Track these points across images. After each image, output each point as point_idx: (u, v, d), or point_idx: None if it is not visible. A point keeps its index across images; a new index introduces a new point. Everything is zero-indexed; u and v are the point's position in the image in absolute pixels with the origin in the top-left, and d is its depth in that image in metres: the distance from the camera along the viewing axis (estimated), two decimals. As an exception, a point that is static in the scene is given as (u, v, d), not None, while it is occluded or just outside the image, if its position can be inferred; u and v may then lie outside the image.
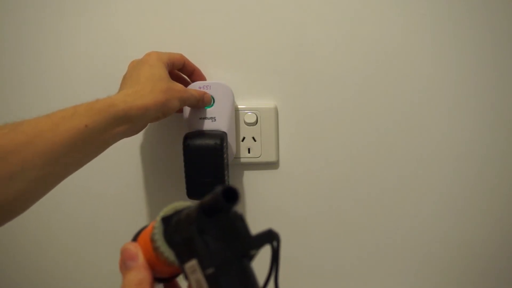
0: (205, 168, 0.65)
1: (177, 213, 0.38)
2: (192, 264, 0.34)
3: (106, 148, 0.54)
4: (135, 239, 0.40)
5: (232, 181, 0.73)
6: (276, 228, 0.35)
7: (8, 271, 0.79)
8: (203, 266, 0.34)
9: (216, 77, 0.71)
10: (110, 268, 0.77)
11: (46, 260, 0.79)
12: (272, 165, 0.74)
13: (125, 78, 0.62)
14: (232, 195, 0.34)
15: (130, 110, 0.54)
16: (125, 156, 0.74)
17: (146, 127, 0.73)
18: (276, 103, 0.72)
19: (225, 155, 0.66)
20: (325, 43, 0.70)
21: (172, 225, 0.37)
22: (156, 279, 0.38)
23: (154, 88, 0.57)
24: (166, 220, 0.37)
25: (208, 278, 0.33)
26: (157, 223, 0.37)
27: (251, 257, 0.35)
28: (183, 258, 0.35)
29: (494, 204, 0.74)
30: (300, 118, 0.72)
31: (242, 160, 0.73)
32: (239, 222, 0.36)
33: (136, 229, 0.41)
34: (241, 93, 0.71)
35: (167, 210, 0.38)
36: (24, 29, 0.72)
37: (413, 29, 0.70)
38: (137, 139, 0.74)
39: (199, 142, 0.65)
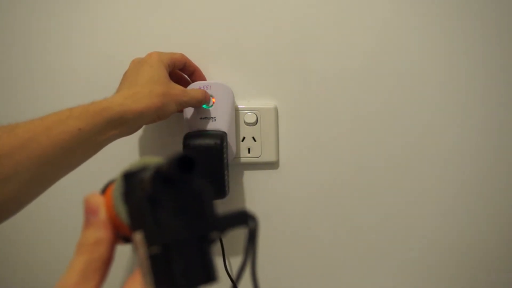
0: (205, 168, 0.65)
1: (143, 170, 0.32)
2: (138, 236, 0.29)
3: (100, 149, 0.55)
4: (104, 191, 0.34)
5: (232, 181, 0.73)
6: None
7: (5, 274, 0.80)
8: (148, 241, 0.28)
9: (216, 77, 0.71)
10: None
11: (43, 262, 0.79)
12: (272, 165, 0.74)
13: (125, 75, 0.62)
14: (190, 165, 0.28)
15: (126, 113, 0.54)
16: (125, 156, 0.74)
17: (146, 128, 0.73)
18: (276, 103, 0.72)
19: (225, 155, 0.66)
20: (325, 43, 0.70)
21: (132, 184, 0.31)
22: (124, 239, 0.33)
23: (152, 92, 0.57)
24: (129, 177, 0.32)
25: (151, 258, 0.28)
26: (118, 177, 0.32)
27: (212, 241, 0.30)
28: (134, 225, 0.30)
29: (497, 204, 0.74)
30: (300, 118, 0.72)
31: (242, 160, 0.73)
32: (205, 198, 0.30)
33: None
34: (241, 93, 0.71)
35: (134, 164, 0.32)
36: (24, 30, 0.72)
37: (414, 28, 0.69)
38: (137, 139, 0.74)
39: (199, 142, 0.65)
